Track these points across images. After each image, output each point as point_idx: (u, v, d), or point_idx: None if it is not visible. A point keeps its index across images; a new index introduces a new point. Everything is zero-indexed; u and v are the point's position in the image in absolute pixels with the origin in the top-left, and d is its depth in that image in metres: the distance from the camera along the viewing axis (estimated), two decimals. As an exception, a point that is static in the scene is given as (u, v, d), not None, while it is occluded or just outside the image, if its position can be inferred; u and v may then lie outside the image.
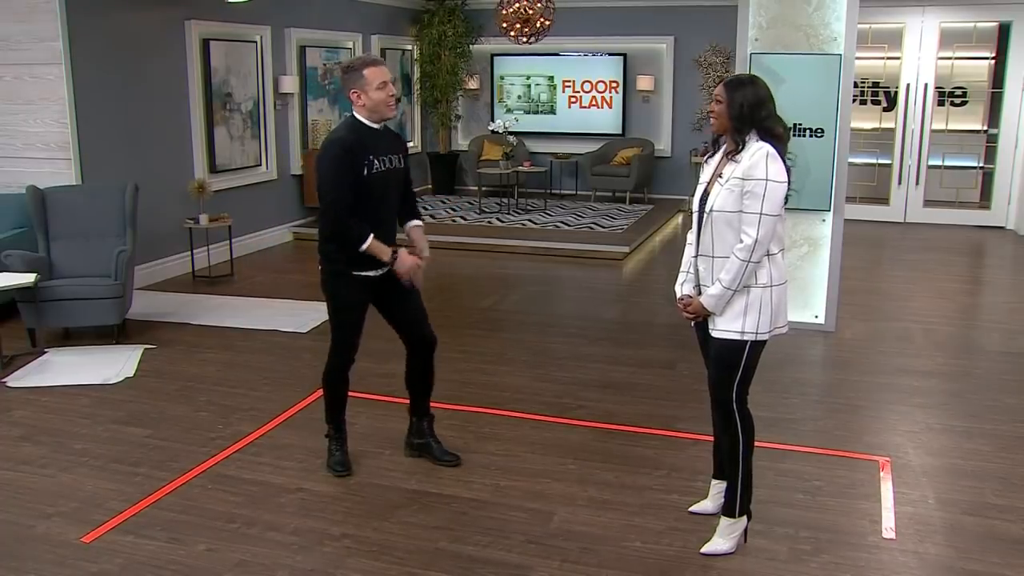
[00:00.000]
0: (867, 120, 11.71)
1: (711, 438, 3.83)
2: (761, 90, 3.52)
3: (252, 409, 5.24)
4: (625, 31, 12.73)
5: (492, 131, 12.42)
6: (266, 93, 9.94)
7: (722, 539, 3.71)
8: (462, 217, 11.39)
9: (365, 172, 4.02)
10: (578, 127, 13.24)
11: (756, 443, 3.67)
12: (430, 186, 13.71)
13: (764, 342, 3.58)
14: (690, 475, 4.38)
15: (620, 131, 13.12)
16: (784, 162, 3.48)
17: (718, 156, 3.62)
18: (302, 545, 3.77)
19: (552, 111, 13.44)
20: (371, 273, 4.17)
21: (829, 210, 6.65)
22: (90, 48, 7.49)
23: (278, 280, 8.59)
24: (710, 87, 12.47)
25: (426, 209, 11.93)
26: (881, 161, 11.78)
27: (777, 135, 3.50)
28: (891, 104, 11.73)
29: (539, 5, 10.40)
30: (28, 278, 6.13)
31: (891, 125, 11.69)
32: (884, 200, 11.81)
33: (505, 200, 12.27)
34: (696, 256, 3.66)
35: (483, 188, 12.60)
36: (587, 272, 9.25)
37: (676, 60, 12.71)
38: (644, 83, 12.86)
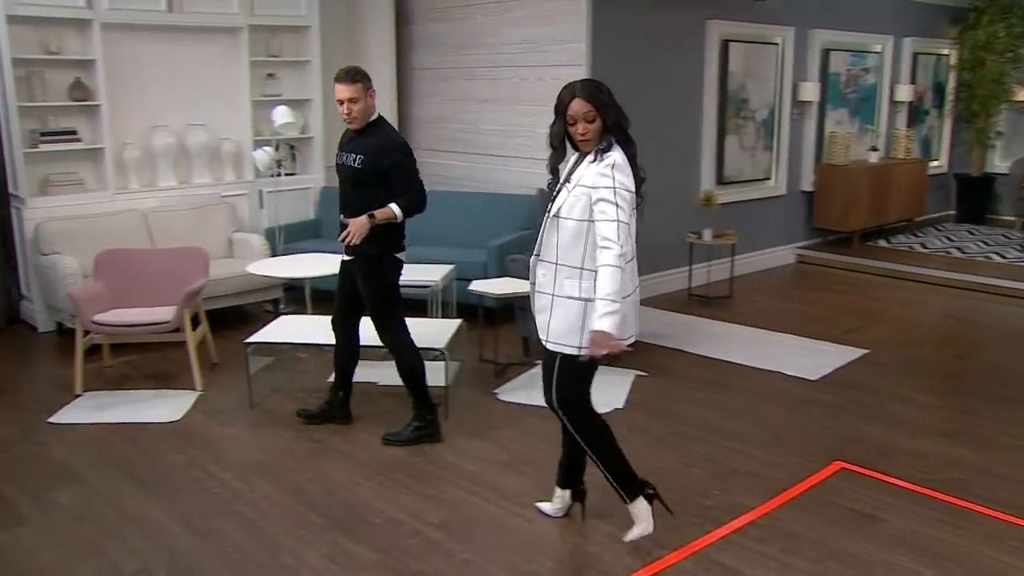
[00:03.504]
0: None
1: None
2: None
3: (753, 475, 4.41)
4: None
5: (1047, 152, 10.38)
6: (783, 100, 9.09)
7: (635, 526, 3.67)
8: (998, 254, 9.59)
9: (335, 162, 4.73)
10: None
11: None
12: (953, 212, 11.92)
13: None
14: None
15: None
16: None
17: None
18: None
19: None
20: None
21: None
22: (609, 49, 7.18)
23: (780, 308, 7.71)
24: None
25: (950, 240, 10.28)
26: None
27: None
28: None
29: None
30: (526, 285, 5.89)
31: None
32: None
33: (1054, 237, 10.18)
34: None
35: (1025, 221, 10.66)
36: None
37: None
38: None
